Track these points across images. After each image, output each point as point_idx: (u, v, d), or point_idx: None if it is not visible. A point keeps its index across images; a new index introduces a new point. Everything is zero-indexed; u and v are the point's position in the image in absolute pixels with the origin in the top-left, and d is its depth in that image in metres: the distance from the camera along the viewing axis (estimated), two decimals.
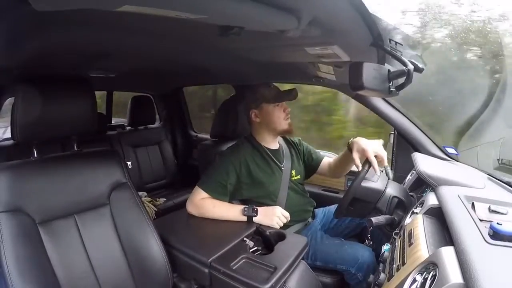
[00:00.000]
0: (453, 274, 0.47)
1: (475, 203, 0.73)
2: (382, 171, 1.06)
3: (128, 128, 2.27)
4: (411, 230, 0.72)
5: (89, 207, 0.90)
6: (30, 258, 0.74)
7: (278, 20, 0.62)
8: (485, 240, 0.55)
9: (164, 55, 1.18)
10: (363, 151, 1.03)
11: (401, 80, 0.75)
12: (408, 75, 0.72)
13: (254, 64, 1.25)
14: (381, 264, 0.82)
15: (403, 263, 0.64)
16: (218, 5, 0.53)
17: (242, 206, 1.06)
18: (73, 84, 0.91)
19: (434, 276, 0.50)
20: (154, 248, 0.92)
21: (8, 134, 1.68)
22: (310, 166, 1.34)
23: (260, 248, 0.95)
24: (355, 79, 0.70)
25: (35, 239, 0.78)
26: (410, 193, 1.08)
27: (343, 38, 0.77)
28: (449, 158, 1.27)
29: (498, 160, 1.15)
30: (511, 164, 1.09)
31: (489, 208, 0.70)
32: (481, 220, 0.64)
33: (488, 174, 1.05)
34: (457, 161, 1.25)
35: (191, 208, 1.11)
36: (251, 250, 0.91)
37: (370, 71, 0.70)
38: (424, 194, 0.95)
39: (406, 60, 0.72)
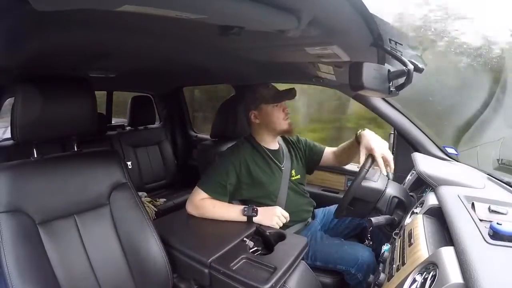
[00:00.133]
0: (453, 274, 0.47)
1: (475, 203, 0.73)
2: (388, 172, 1.06)
3: (128, 128, 2.27)
4: (411, 230, 0.72)
5: (89, 207, 0.90)
6: (30, 259, 0.74)
7: (278, 20, 0.62)
8: (485, 240, 0.55)
9: (164, 55, 1.18)
10: (371, 150, 1.03)
11: (401, 80, 0.75)
12: (408, 75, 0.72)
13: (254, 64, 1.25)
14: (381, 264, 0.82)
15: (403, 263, 0.64)
16: (218, 5, 0.53)
17: (242, 206, 1.06)
18: (73, 84, 0.91)
19: (434, 276, 0.50)
20: (154, 248, 0.92)
21: (8, 134, 1.68)
22: (312, 159, 1.33)
23: (260, 248, 0.95)
24: (355, 79, 0.70)
25: (35, 239, 0.78)
26: (410, 193, 1.07)
27: (343, 38, 0.77)
28: (449, 158, 1.27)
29: (498, 160, 1.15)
30: (511, 164, 1.09)
31: (489, 208, 0.70)
32: (481, 220, 0.64)
33: (488, 174, 1.05)
34: (457, 161, 1.25)
35: (190, 209, 1.11)
36: (251, 250, 0.91)
37: (370, 71, 0.70)
38: (424, 194, 0.95)
39: (406, 60, 0.72)
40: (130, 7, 0.50)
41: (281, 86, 1.27)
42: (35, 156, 0.88)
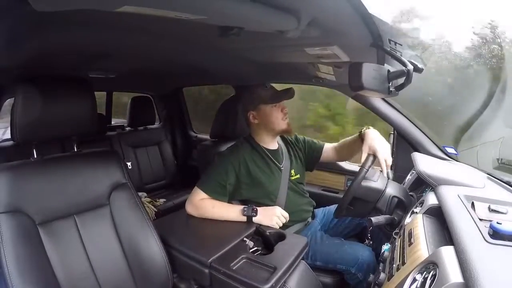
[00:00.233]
0: (453, 273, 0.47)
1: (475, 202, 0.73)
2: (381, 171, 1.07)
3: (128, 128, 2.27)
4: (411, 229, 0.72)
5: (89, 207, 0.90)
6: (30, 259, 0.74)
7: (277, 20, 0.62)
8: (485, 240, 0.55)
9: (164, 56, 1.18)
10: (375, 150, 1.02)
11: (401, 81, 0.75)
12: (407, 75, 0.72)
13: (253, 64, 1.25)
14: (381, 264, 0.82)
15: (403, 263, 0.64)
16: (218, 5, 0.53)
17: (242, 206, 1.06)
18: (73, 85, 0.91)
19: (434, 276, 0.50)
20: (154, 248, 0.92)
21: (8, 135, 1.68)
22: (312, 157, 1.33)
23: (260, 248, 0.95)
24: (355, 79, 0.70)
25: (35, 239, 0.78)
26: (410, 193, 1.08)
27: (343, 38, 0.78)
28: (448, 158, 1.27)
29: (498, 159, 1.15)
30: (511, 163, 1.09)
31: (489, 208, 0.70)
32: (481, 220, 0.64)
33: (487, 174, 1.05)
34: (457, 161, 1.25)
35: (190, 209, 1.10)
36: (251, 250, 0.91)
37: (369, 72, 0.70)
38: (424, 193, 0.95)
39: (405, 60, 0.73)
40: (129, 7, 0.50)
41: (281, 87, 1.27)
42: (35, 156, 0.88)
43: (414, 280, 0.54)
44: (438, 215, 0.76)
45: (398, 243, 0.76)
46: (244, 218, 1.05)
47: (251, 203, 1.13)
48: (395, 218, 0.96)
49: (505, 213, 0.67)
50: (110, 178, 0.96)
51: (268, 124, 1.19)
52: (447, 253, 0.53)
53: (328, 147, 1.33)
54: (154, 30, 0.79)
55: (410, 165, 1.15)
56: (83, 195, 0.90)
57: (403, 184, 1.23)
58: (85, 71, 1.41)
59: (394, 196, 0.99)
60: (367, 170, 0.99)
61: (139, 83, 2.23)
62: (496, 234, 0.55)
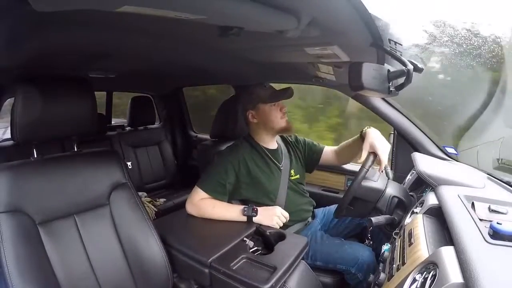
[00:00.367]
0: (453, 273, 0.47)
1: (475, 202, 0.73)
2: (382, 171, 1.07)
3: (128, 128, 2.27)
4: (411, 230, 0.72)
5: (89, 207, 0.91)
6: (30, 259, 0.74)
7: (277, 20, 0.62)
8: (485, 240, 0.55)
9: (164, 56, 1.18)
10: (376, 149, 1.02)
11: (401, 80, 0.75)
12: (407, 75, 0.72)
13: (253, 64, 1.25)
14: (381, 264, 0.82)
15: (403, 263, 0.64)
16: (218, 5, 0.53)
17: (242, 206, 1.06)
18: (73, 85, 0.91)
19: (434, 276, 0.50)
20: (154, 248, 0.92)
21: (8, 135, 1.68)
22: (312, 158, 1.33)
23: (260, 248, 0.95)
24: (355, 79, 0.70)
25: (35, 239, 0.78)
26: (410, 193, 1.08)
27: (343, 38, 0.77)
28: (448, 158, 1.27)
29: (498, 160, 1.14)
30: (511, 164, 1.09)
31: (489, 208, 0.70)
32: (481, 220, 0.64)
33: (488, 174, 1.05)
34: (457, 161, 1.25)
35: (190, 209, 1.11)
36: (251, 250, 0.91)
37: (369, 71, 0.70)
38: (424, 194, 0.95)
39: (405, 60, 0.73)
40: (129, 7, 0.50)
41: (281, 87, 1.27)
42: (35, 156, 0.88)
43: (414, 280, 0.54)
44: (438, 215, 0.76)
45: (398, 243, 0.76)
46: (244, 218, 1.05)
47: (250, 202, 1.13)
48: (395, 218, 0.96)
49: (505, 213, 0.67)
50: (110, 178, 0.96)
51: (267, 123, 1.19)
52: (447, 253, 0.53)
53: (328, 150, 1.33)
54: (154, 30, 0.79)
55: (410, 165, 1.15)
56: (83, 195, 0.90)
57: (403, 184, 1.23)
58: (85, 71, 1.41)
59: (394, 196, 0.99)
60: (367, 170, 0.99)
61: (139, 83, 2.23)
62: (496, 234, 0.55)
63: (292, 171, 1.24)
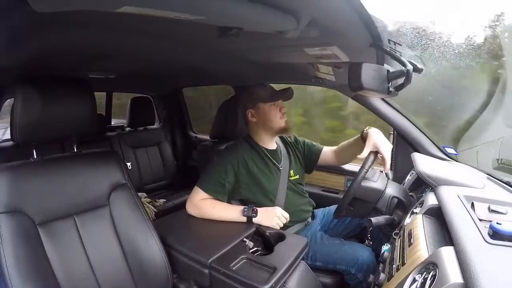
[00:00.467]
0: (453, 274, 0.47)
1: (474, 203, 0.73)
2: (382, 171, 1.07)
3: (127, 129, 2.27)
4: (410, 230, 0.72)
5: (89, 208, 0.90)
6: (30, 259, 0.74)
7: (277, 21, 0.62)
8: (485, 240, 0.55)
9: (164, 56, 1.18)
10: (378, 148, 1.02)
11: (400, 81, 0.75)
12: (407, 75, 0.72)
13: (253, 65, 1.25)
14: (381, 264, 0.82)
15: (403, 263, 0.64)
16: (217, 6, 0.53)
17: (242, 207, 1.06)
18: (72, 85, 0.91)
19: (434, 276, 0.50)
20: (154, 249, 0.92)
21: (8, 135, 1.68)
22: (311, 159, 1.33)
23: (260, 248, 0.95)
24: (355, 79, 0.70)
25: (34, 240, 0.78)
26: (409, 193, 1.08)
27: (342, 38, 0.78)
28: (448, 158, 1.27)
29: (498, 160, 1.14)
30: (511, 164, 1.09)
31: (488, 208, 0.70)
32: (480, 220, 0.64)
33: (487, 174, 1.05)
34: (457, 161, 1.25)
35: (190, 209, 1.11)
36: (251, 251, 0.91)
37: (369, 72, 0.70)
38: (424, 194, 0.95)
39: (405, 60, 0.73)
40: (129, 8, 0.50)
41: (281, 87, 1.27)
42: (35, 157, 0.88)
43: (414, 280, 0.54)
44: (438, 215, 0.76)
45: (398, 243, 0.76)
46: (244, 219, 1.05)
47: (250, 202, 1.13)
48: (395, 218, 0.96)
49: (505, 214, 0.67)
50: (110, 178, 0.96)
51: (266, 122, 1.19)
52: (447, 254, 0.53)
53: (327, 150, 1.33)
54: (154, 31, 0.79)
55: (410, 165, 1.15)
56: (83, 196, 0.90)
57: (403, 185, 1.23)
58: (85, 72, 1.41)
59: (394, 197, 0.99)
60: (367, 170, 0.99)
61: (139, 84, 2.23)
62: (496, 234, 0.55)
63: (291, 172, 1.24)
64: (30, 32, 0.69)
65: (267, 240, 0.97)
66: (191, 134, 2.63)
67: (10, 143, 1.58)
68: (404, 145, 1.36)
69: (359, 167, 1.00)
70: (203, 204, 1.09)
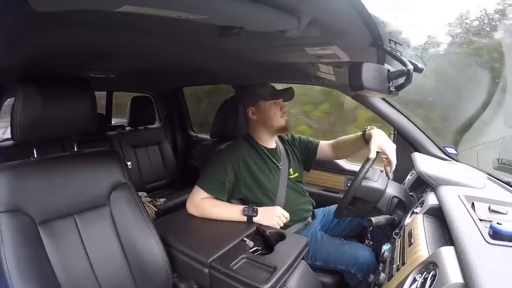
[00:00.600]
0: (453, 274, 0.47)
1: (475, 203, 0.73)
2: (382, 171, 1.06)
3: (128, 128, 2.27)
4: (411, 230, 0.72)
5: (89, 207, 0.90)
6: (30, 259, 0.74)
7: (277, 20, 0.62)
8: (485, 240, 0.55)
9: (164, 56, 1.18)
10: (384, 150, 1.02)
11: (401, 80, 0.75)
12: (407, 75, 0.72)
13: (253, 64, 1.25)
14: (381, 264, 0.82)
15: (403, 263, 0.64)
16: (218, 5, 0.53)
17: (242, 206, 1.06)
18: (73, 85, 0.91)
19: (434, 276, 0.50)
20: (154, 248, 0.92)
21: (8, 135, 1.68)
22: (308, 155, 1.34)
23: (260, 248, 0.95)
24: (355, 79, 0.70)
25: (35, 239, 0.78)
26: (410, 193, 1.08)
27: (343, 38, 0.77)
28: (449, 158, 1.27)
29: (498, 160, 1.14)
30: (511, 164, 1.09)
31: (489, 208, 0.70)
32: (481, 220, 0.64)
33: (488, 174, 1.05)
34: (457, 161, 1.25)
35: (191, 208, 1.11)
36: (251, 250, 0.91)
37: (369, 71, 0.70)
38: (424, 194, 0.95)
39: (405, 60, 0.73)
40: (129, 7, 0.50)
41: (281, 87, 1.27)
42: (35, 156, 0.88)
43: (414, 280, 0.54)
44: (438, 215, 0.76)
45: (398, 243, 0.76)
46: (245, 218, 1.05)
47: (250, 201, 1.13)
48: (395, 218, 0.96)
49: (505, 214, 0.67)
50: (110, 177, 0.96)
51: (266, 121, 1.19)
52: (447, 254, 0.53)
53: (324, 144, 1.33)
54: (154, 30, 0.79)
55: (410, 165, 1.15)
56: (83, 195, 0.90)
57: (403, 184, 1.23)
58: (85, 71, 1.41)
59: (394, 196, 0.99)
60: (367, 170, 0.99)
61: (139, 83, 2.23)
62: (496, 234, 0.55)
63: (291, 170, 1.24)
64: (30, 31, 0.69)
65: (267, 240, 0.97)
66: (191, 133, 2.63)
67: (11, 142, 1.59)
68: (404, 145, 1.36)
69: (359, 166, 1.00)
70: (203, 204, 1.09)
